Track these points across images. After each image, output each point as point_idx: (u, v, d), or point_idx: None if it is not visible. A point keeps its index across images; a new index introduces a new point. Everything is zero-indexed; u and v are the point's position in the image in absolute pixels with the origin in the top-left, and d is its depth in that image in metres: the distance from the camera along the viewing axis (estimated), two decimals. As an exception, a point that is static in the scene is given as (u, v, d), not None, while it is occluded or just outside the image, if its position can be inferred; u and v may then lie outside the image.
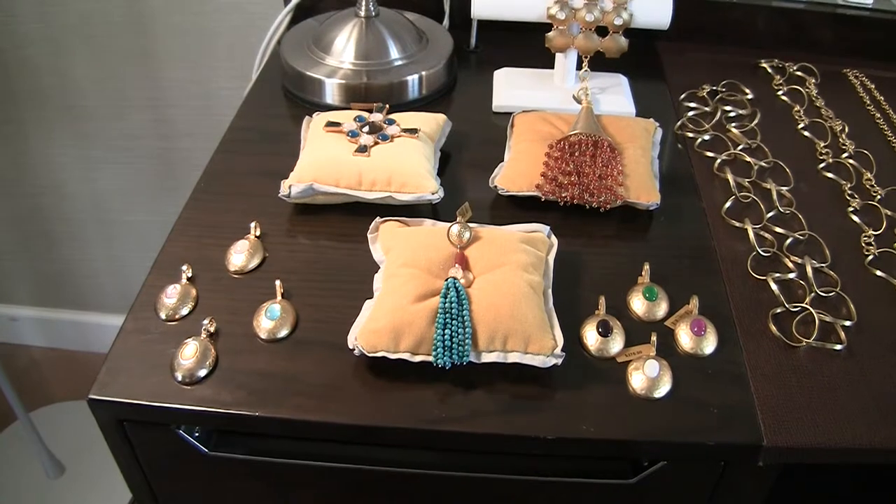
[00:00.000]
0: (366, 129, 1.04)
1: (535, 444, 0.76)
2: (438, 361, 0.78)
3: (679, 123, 1.18)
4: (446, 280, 0.82)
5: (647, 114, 1.15)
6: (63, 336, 2.28)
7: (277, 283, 0.88)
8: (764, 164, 1.10)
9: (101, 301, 2.18)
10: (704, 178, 1.08)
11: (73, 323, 2.24)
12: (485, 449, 0.79)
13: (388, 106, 1.10)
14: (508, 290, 0.81)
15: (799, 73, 1.32)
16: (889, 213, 1.02)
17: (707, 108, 1.22)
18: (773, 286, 0.91)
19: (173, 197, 1.86)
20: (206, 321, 0.85)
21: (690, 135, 1.16)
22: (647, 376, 0.80)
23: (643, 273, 0.91)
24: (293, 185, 0.98)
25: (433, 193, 0.97)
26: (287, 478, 0.86)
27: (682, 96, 1.25)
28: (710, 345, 0.84)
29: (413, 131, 1.04)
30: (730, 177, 1.06)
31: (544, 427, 0.76)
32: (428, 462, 0.83)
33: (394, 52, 1.20)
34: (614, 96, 1.21)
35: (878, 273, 0.94)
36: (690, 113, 1.21)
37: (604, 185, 0.98)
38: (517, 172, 1.01)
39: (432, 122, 1.08)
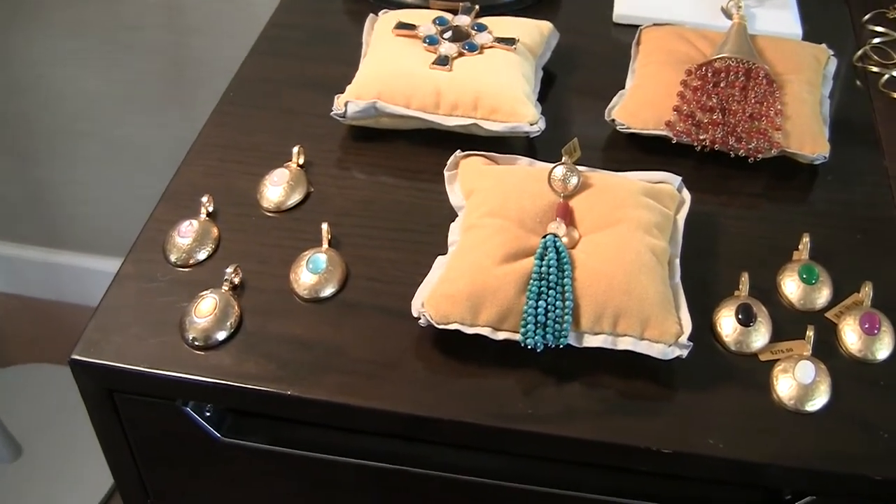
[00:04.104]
0: (448, 34, 1.05)
1: (644, 457, 0.77)
2: (528, 341, 0.79)
3: (860, 53, 1.17)
4: (544, 237, 0.83)
5: (818, 38, 1.14)
6: (29, 280, 2.31)
7: (324, 226, 0.90)
8: (972, 115, 1.09)
9: (83, 238, 2.20)
10: (890, 127, 1.07)
11: (43, 265, 2.27)
12: (578, 459, 0.81)
13: (477, 7, 1.10)
14: (624, 255, 0.82)
15: None
16: None
17: (899, 35, 1.21)
18: (975, 276, 0.90)
19: (185, 109, 1.88)
20: (229, 270, 0.87)
21: (875, 69, 1.15)
22: (799, 382, 0.80)
23: (800, 247, 0.91)
24: (350, 103, 0.99)
25: (532, 124, 0.98)
26: (317, 477, 0.89)
27: (867, 17, 1.23)
28: (884, 348, 0.84)
29: (509, 42, 1.05)
30: (925, 128, 1.05)
31: (658, 437, 0.77)
32: (503, 470, 0.84)
33: (487, -64, 1.21)
34: (776, 12, 1.19)
35: None
36: (876, 40, 1.19)
37: (756, 127, 0.98)
38: (642, 104, 1.01)
39: (534, 32, 1.08)
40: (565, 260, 0.81)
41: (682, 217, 0.90)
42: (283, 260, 0.89)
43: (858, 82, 1.14)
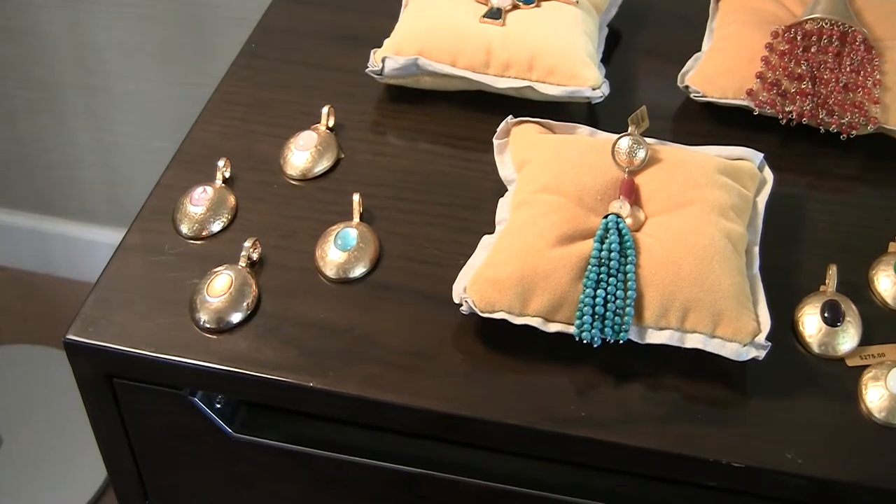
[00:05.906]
0: (501, -17, 1.05)
1: (712, 471, 0.78)
2: (584, 335, 0.79)
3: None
4: (605, 217, 0.83)
5: (926, -2, 1.13)
6: (16, 250, 2.32)
7: (356, 197, 0.90)
8: None
9: (76, 203, 2.21)
10: None
11: (32, 233, 2.28)
12: (636, 469, 0.81)
13: (535, -47, 1.10)
14: (696, 240, 0.82)
15: None
16: None
17: None
18: None
19: (198, 61, 1.88)
20: (247, 244, 0.87)
21: None
22: (891, 392, 0.80)
23: (897, 238, 0.91)
24: (388, 59, 0.99)
25: (594, 88, 0.98)
26: (339, 479, 0.89)
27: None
28: None
29: (571, -6, 1.05)
30: None
31: (729, 448, 0.77)
32: (550, 480, 0.85)
33: None
34: (877, -33, 1.19)
35: None
36: None
37: (850, 99, 0.97)
38: (721, 69, 1.01)
39: (599, -17, 1.08)
40: (629, 244, 0.81)
41: (762, 199, 0.90)
42: (308, 234, 0.90)
43: (970, 51, 1.13)
